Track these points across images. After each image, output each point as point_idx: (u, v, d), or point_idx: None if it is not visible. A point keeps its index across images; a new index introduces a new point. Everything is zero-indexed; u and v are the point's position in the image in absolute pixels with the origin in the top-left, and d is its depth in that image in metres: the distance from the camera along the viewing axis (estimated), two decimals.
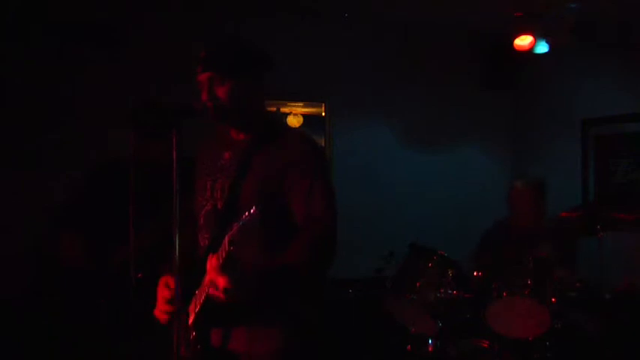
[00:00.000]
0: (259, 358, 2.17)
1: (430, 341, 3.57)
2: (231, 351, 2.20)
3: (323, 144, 4.93)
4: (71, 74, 4.01)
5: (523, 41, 4.68)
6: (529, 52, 4.75)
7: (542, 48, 4.74)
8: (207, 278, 2.03)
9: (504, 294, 3.48)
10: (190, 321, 2.18)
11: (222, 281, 1.93)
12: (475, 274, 3.66)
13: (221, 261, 1.92)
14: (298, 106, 5.01)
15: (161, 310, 2.20)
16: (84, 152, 3.85)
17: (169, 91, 3.97)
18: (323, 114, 5.06)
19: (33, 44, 3.95)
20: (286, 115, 4.99)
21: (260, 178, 2.16)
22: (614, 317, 3.91)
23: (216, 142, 2.37)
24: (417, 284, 3.58)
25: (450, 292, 3.55)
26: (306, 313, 2.24)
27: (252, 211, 1.81)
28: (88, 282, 3.04)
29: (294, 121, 5.01)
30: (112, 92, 3.99)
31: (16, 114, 3.90)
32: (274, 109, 4.80)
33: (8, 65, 3.88)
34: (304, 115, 5.04)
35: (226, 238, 1.87)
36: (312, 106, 5.04)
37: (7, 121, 3.87)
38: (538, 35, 4.67)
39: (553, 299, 3.46)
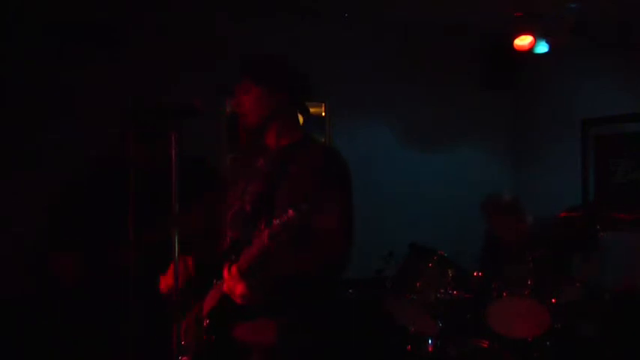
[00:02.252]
0: (268, 350, 2.24)
1: (430, 341, 3.57)
2: (240, 342, 2.27)
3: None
4: (71, 74, 4.01)
5: (523, 41, 4.68)
6: (529, 52, 4.75)
7: (542, 48, 4.74)
8: (224, 285, 2.16)
9: (504, 294, 3.49)
10: (205, 311, 2.27)
11: (239, 288, 2.09)
12: (475, 274, 3.67)
13: (251, 258, 2.04)
14: None
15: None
16: (84, 152, 3.85)
17: (169, 91, 3.98)
18: (323, 114, 5.06)
19: (33, 44, 3.95)
20: None
21: (288, 188, 2.24)
22: (614, 317, 3.91)
23: (254, 148, 2.47)
24: (417, 284, 3.59)
25: (450, 292, 3.55)
26: (316, 307, 2.30)
27: (293, 210, 1.91)
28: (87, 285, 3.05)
29: None
30: (112, 92, 3.99)
31: (16, 114, 3.90)
32: None
33: (8, 65, 3.88)
34: None
35: (266, 232, 1.96)
36: (312, 106, 5.02)
37: (7, 121, 3.87)
38: (538, 35, 4.67)
39: (553, 299, 3.46)
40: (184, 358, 2.12)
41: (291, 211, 1.91)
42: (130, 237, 2.14)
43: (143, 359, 2.24)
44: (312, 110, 5.04)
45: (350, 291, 4.46)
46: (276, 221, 1.94)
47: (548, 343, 3.44)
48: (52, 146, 3.92)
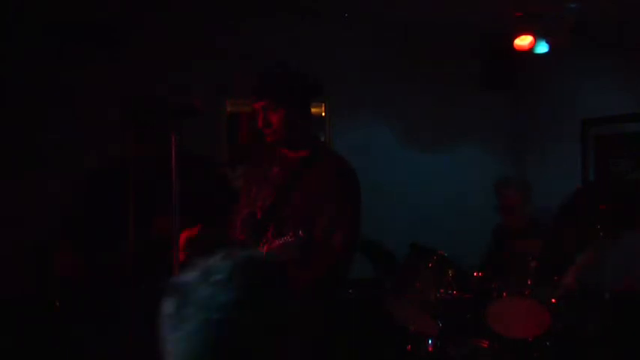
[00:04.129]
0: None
1: (430, 341, 3.57)
2: None
3: None
4: (71, 74, 4.01)
5: (523, 41, 4.68)
6: (529, 52, 4.75)
7: (542, 48, 4.73)
8: None
9: (504, 294, 3.49)
10: None
11: None
12: (475, 274, 3.67)
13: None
14: None
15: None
16: (84, 152, 3.85)
17: (169, 91, 3.98)
18: (323, 114, 5.06)
19: (33, 44, 3.95)
20: None
21: (300, 199, 2.29)
22: (614, 317, 3.90)
23: (268, 155, 2.50)
24: (417, 284, 3.58)
25: (450, 292, 3.55)
26: (317, 307, 2.28)
27: (298, 233, 1.99)
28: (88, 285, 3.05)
29: None
30: (112, 92, 3.99)
31: (16, 114, 3.90)
32: None
33: (8, 65, 3.88)
34: None
35: (265, 248, 2.04)
36: (312, 106, 5.02)
37: (7, 121, 3.87)
38: (538, 35, 4.66)
39: (553, 299, 3.46)
40: None
41: (292, 234, 1.99)
42: (130, 237, 2.14)
43: (144, 358, 2.24)
44: (312, 110, 5.07)
45: (350, 291, 4.46)
46: (276, 242, 2.02)
47: (548, 343, 3.44)
48: (52, 146, 3.92)
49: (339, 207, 2.26)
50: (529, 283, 3.47)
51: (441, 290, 3.55)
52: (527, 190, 4.14)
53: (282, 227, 2.13)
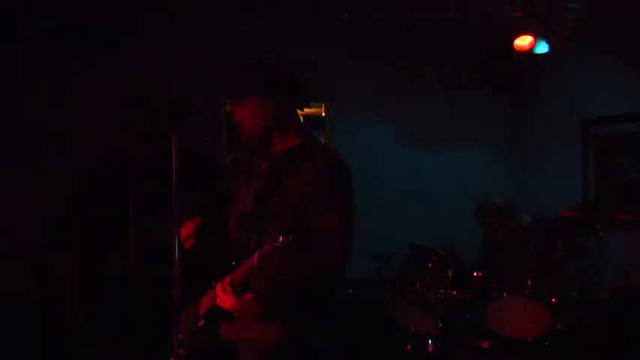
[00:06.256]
0: (260, 348, 2.25)
1: (430, 341, 3.57)
2: (232, 340, 2.31)
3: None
4: (71, 74, 4.01)
5: (523, 41, 4.68)
6: (529, 52, 4.75)
7: (542, 48, 4.73)
8: (217, 298, 2.20)
9: (504, 294, 3.49)
10: (202, 311, 2.28)
11: (230, 302, 2.15)
12: (475, 274, 3.67)
13: (241, 276, 2.12)
14: None
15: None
16: (84, 152, 3.85)
17: (169, 91, 3.98)
18: (323, 114, 5.06)
19: (33, 44, 3.94)
20: None
21: (287, 193, 2.27)
22: (614, 317, 3.91)
23: (259, 150, 2.48)
24: (417, 284, 3.59)
25: (450, 292, 3.56)
26: (317, 307, 2.30)
27: (287, 238, 1.96)
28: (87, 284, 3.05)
29: None
30: (112, 92, 3.98)
31: (16, 114, 3.89)
32: None
33: (8, 65, 3.88)
34: (304, 115, 5.03)
35: (256, 254, 2.03)
36: (312, 106, 5.04)
37: (7, 121, 3.87)
38: (538, 35, 4.66)
39: (553, 299, 3.47)
40: (181, 351, 2.13)
41: (281, 238, 1.96)
42: (130, 237, 2.14)
43: (143, 355, 2.25)
44: (312, 110, 5.08)
45: (350, 291, 4.46)
46: (267, 246, 1.99)
47: (548, 343, 3.44)
48: (52, 146, 3.92)
49: (328, 193, 2.23)
50: (529, 283, 3.47)
51: (441, 290, 3.55)
52: (512, 214, 3.95)
53: (271, 218, 2.17)
